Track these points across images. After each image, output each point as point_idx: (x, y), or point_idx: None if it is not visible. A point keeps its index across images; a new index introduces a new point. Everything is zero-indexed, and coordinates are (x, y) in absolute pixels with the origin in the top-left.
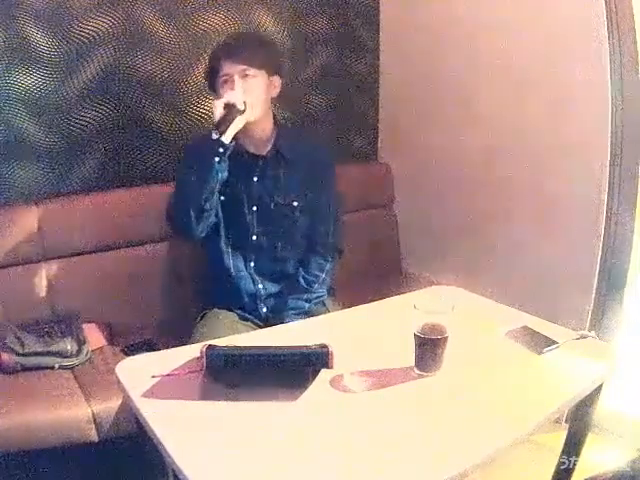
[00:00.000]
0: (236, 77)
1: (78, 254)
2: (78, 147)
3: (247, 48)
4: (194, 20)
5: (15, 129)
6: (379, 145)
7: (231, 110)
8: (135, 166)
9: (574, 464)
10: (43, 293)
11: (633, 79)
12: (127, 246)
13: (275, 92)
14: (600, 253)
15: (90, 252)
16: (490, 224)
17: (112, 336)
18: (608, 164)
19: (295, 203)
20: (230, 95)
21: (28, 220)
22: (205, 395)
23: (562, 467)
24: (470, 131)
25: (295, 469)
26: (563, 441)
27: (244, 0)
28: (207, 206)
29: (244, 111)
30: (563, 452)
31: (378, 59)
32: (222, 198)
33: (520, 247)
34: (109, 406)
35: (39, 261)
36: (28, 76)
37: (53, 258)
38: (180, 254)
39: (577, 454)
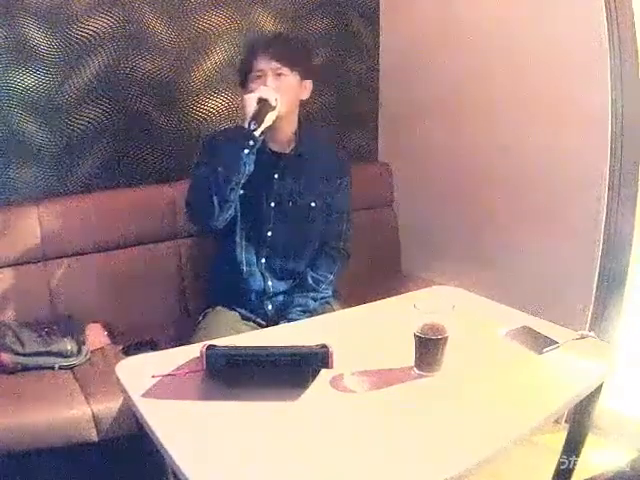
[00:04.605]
0: (269, 74)
1: (78, 254)
2: (78, 147)
3: (283, 47)
4: (194, 20)
5: (15, 129)
6: (379, 145)
7: (264, 105)
8: (135, 166)
9: (574, 464)
10: (43, 293)
11: (633, 79)
12: (127, 246)
13: (305, 95)
14: (600, 253)
15: (90, 252)
16: (490, 224)
17: (112, 336)
18: (608, 164)
19: (313, 204)
20: (263, 90)
21: (28, 220)
22: (205, 395)
23: (562, 467)
24: (470, 131)
25: (295, 469)
26: (563, 441)
27: (244, 0)
28: (231, 197)
29: (275, 108)
30: (563, 452)
31: (378, 59)
32: (241, 192)
33: (520, 247)
34: (109, 406)
35: (39, 261)
36: (28, 76)
37: (53, 258)
38: (181, 254)
39: (577, 454)
